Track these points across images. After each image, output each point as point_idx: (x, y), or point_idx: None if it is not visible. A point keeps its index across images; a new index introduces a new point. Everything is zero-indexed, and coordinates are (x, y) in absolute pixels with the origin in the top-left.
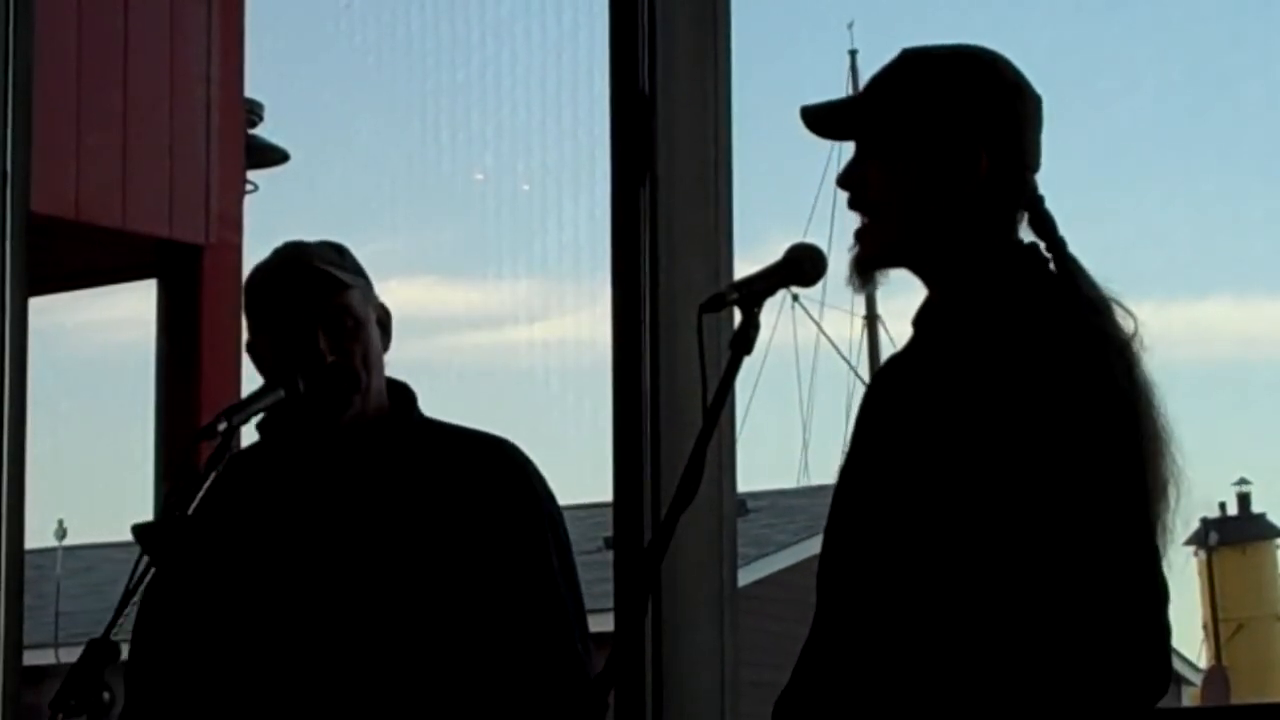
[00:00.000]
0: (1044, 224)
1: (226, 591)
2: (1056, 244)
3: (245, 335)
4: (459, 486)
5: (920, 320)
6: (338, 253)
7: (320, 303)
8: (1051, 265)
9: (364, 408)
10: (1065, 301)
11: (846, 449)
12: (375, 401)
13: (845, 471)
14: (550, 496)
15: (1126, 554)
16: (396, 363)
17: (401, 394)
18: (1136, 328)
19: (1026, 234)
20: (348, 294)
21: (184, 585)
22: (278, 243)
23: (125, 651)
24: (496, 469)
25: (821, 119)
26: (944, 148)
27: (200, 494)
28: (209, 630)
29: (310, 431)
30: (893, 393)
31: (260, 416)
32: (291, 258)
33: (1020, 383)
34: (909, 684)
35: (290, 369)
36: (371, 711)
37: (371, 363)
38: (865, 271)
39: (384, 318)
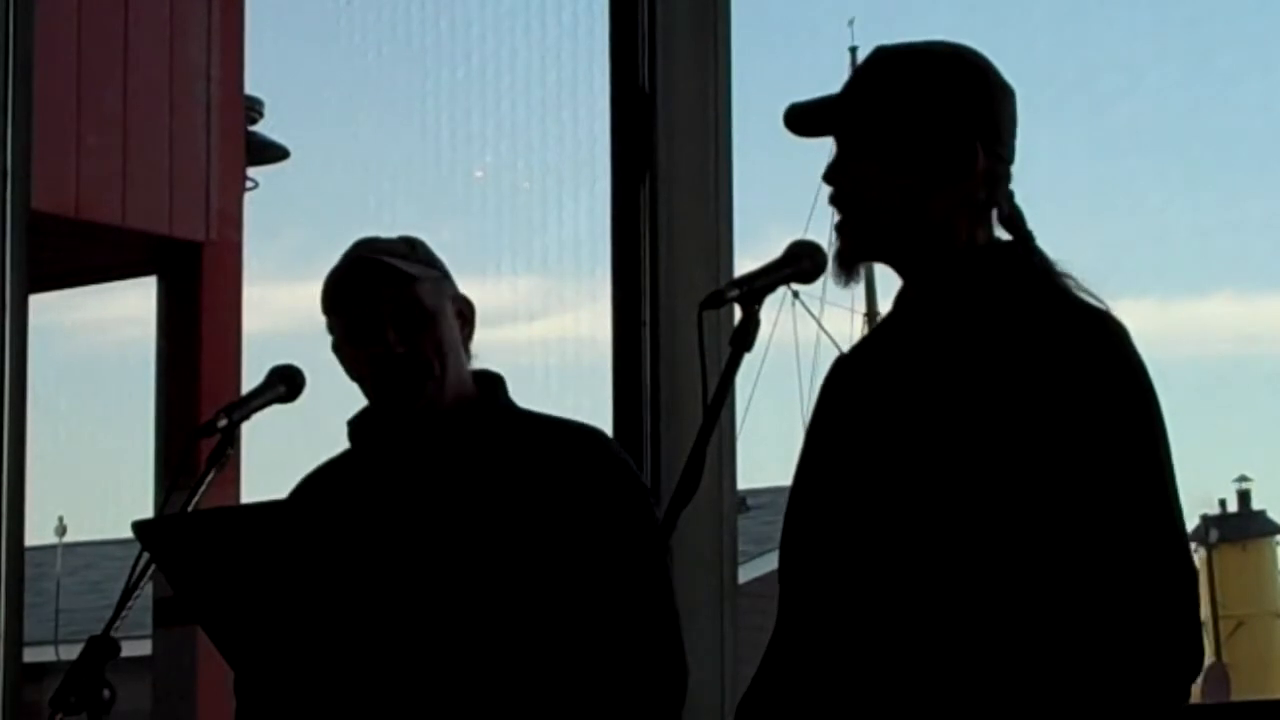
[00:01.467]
0: (1016, 219)
1: (324, 589)
2: (1026, 239)
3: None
4: (552, 473)
5: (899, 313)
6: (409, 246)
7: (387, 296)
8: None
9: (440, 396)
10: (1062, 291)
11: (812, 441)
12: (454, 390)
13: (817, 465)
14: (649, 490)
15: (1158, 532)
16: None
17: (489, 382)
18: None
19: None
20: (416, 286)
21: (285, 588)
22: (279, 239)
23: (125, 649)
24: (594, 458)
25: (808, 118)
26: (942, 144)
27: (200, 491)
28: (308, 627)
29: (391, 426)
30: (878, 385)
31: (356, 417)
32: (357, 256)
33: (1042, 368)
34: (930, 676)
35: (363, 363)
36: (463, 703)
37: (446, 352)
38: (850, 266)
39: (464, 308)
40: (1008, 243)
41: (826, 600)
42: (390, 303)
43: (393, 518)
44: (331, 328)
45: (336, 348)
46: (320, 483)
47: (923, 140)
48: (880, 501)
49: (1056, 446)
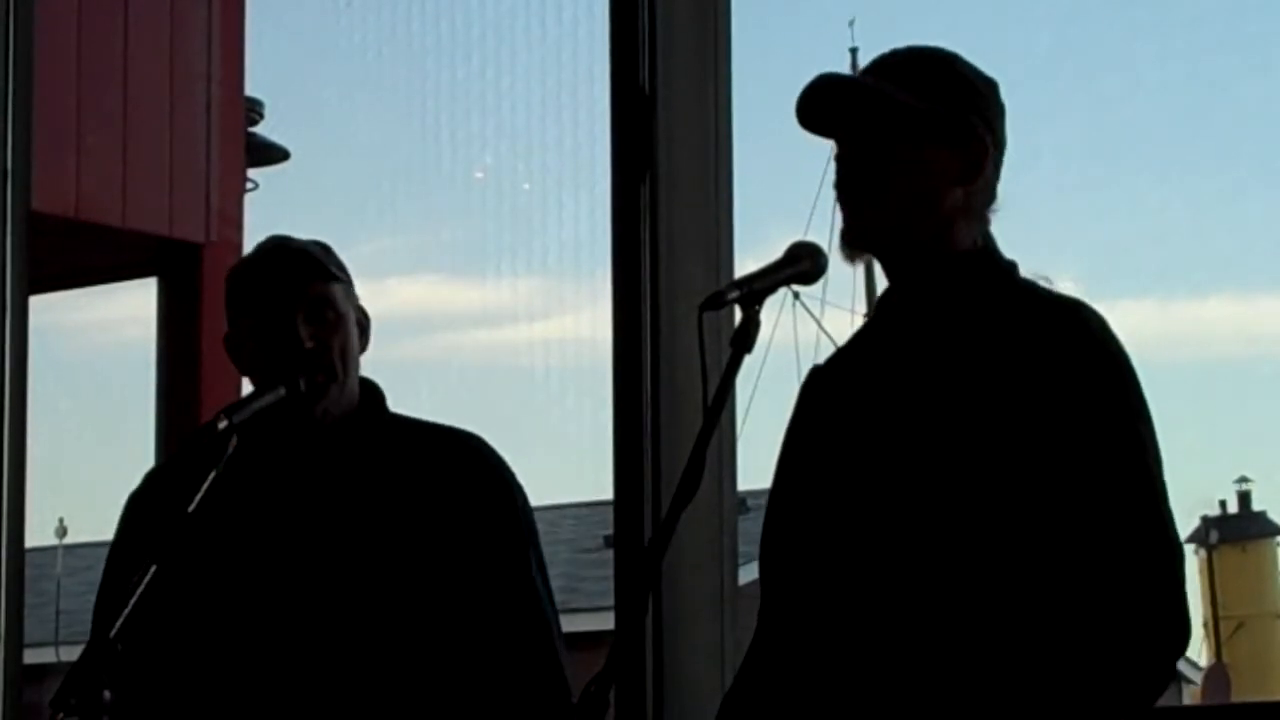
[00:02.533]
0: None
1: (199, 589)
2: (993, 246)
3: (226, 328)
4: (431, 483)
5: (882, 317)
6: (323, 250)
7: (302, 289)
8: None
9: (338, 402)
10: (1034, 288)
11: (794, 448)
12: (348, 399)
13: (802, 471)
14: (521, 491)
15: (1141, 511)
16: (397, 362)
17: (370, 392)
18: None
19: None
20: (330, 286)
21: (162, 580)
22: None
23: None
24: (469, 465)
25: (829, 103)
26: (961, 145)
27: (200, 493)
28: (182, 628)
29: (284, 424)
30: (866, 390)
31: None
32: (275, 246)
33: (1022, 358)
34: (916, 662)
35: (269, 355)
36: (344, 711)
37: (349, 358)
38: (855, 246)
39: (363, 320)
40: (986, 248)
41: (817, 600)
42: (306, 297)
43: (273, 526)
44: (236, 320)
45: (234, 341)
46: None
47: (942, 131)
48: (871, 504)
49: (1040, 433)
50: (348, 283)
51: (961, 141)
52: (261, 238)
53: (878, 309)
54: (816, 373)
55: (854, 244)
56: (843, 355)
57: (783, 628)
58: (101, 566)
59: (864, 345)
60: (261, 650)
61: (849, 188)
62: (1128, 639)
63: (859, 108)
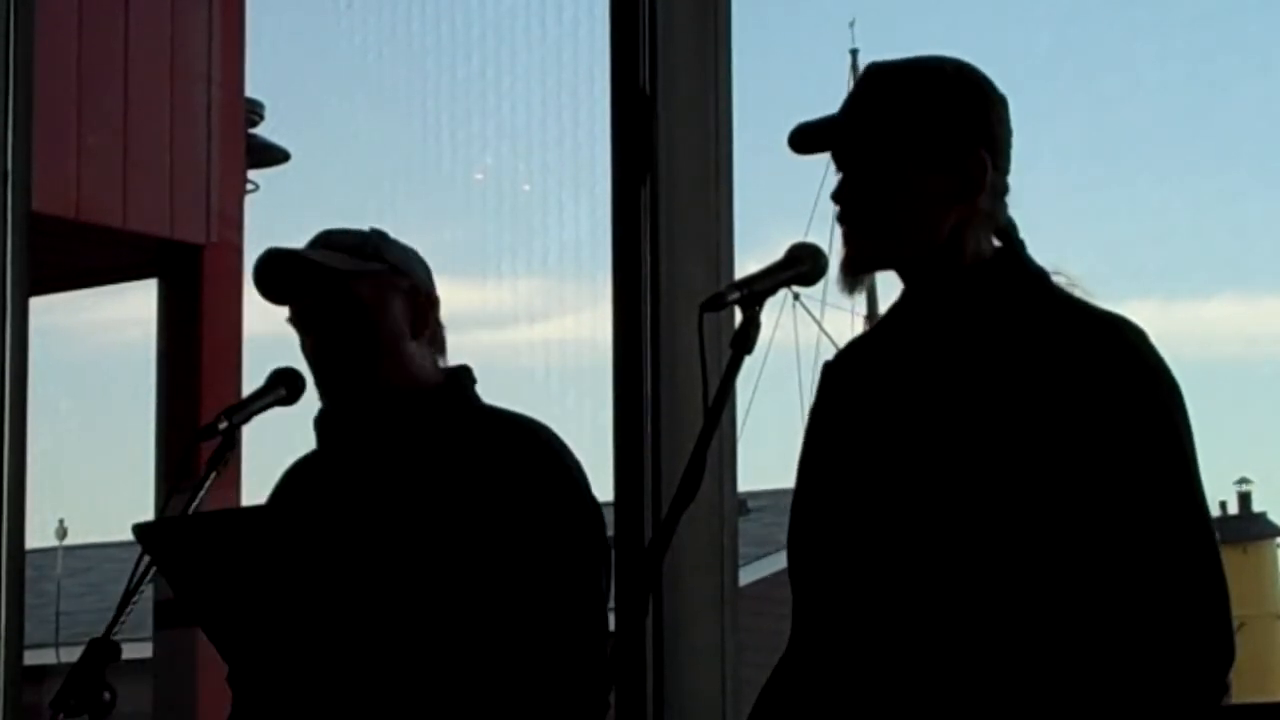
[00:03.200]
0: (1009, 229)
1: (284, 582)
2: (1021, 247)
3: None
4: (489, 467)
5: (903, 320)
6: (362, 239)
7: (316, 294)
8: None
9: (378, 390)
10: (1074, 299)
11: (817, 446)
12: (403, 383)
13: (830, 469)
14: (587, 485)
15: (1189, 530)
16: None
17: (453, 376)
18: None
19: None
20: (352, 283)
21: (260, 584)
22: (279, 242)
23: (125, 651)
24: (532, 453)
25: (816, 138)
26: (954, 159)
27: (201, 494)
28: (273, 621)
29: (344, 419)
30: (893, 390)
31: (314, 418)
32: (289, 253)
33: (1067, 373)
34: (961, 674)
35: (304, 352)
36: (400, 693)
37: (382, 348)
38: (858, 273)
39: (421, 301)
40: (1010, 252)
41: (857, 604)
42: (323, 298)
43: (340, 510)
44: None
45: None
46: (293, 478)
47: (935, 156)
48: (906, 505)
49: (1085, 448)
50: (383, 270)
51: (957, 164)
52: (262, 239)
53: (894, 310)
54: (830, 369)
55: (856, 270)
56: (861, 354)
57: (819, 629)
58: (101, 568)
59: (885, 345)
60: (316, 633)
61: (847, 219)
62: (1177, 659)
63: (848, 144)
